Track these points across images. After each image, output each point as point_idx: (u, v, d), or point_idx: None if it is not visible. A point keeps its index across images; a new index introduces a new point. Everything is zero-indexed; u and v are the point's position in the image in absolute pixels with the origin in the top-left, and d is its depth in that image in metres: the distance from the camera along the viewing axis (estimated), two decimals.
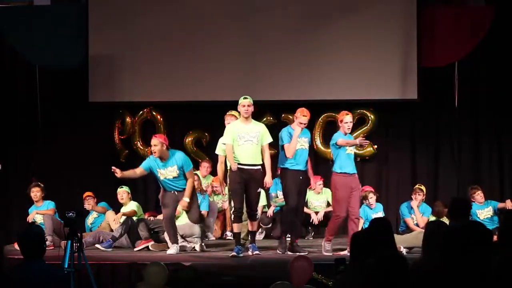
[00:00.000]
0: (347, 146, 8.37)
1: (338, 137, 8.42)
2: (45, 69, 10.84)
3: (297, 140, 8.33)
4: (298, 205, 8.54)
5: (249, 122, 8.27)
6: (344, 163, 8.36)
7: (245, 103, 8.19)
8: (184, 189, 8.49)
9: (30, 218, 9.54)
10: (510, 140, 10.73)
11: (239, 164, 8.16)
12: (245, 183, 8.20)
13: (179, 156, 8.52)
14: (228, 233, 10.24)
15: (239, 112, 8.36)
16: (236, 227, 8.30)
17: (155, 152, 8.39)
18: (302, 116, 8.35)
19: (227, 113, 8.79)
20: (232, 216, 8.32)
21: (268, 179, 8.23)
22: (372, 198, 9.59)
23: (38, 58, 10.78)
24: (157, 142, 8.40)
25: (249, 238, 8.43)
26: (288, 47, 10.54)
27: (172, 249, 8.46)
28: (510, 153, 10.76)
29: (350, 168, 8.39)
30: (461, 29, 10.33)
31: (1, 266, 4.63)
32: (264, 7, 10.62)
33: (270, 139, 8.35)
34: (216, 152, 8.75)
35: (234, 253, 8.09)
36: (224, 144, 8.28)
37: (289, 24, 10.57)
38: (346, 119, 8.44)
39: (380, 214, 9.55)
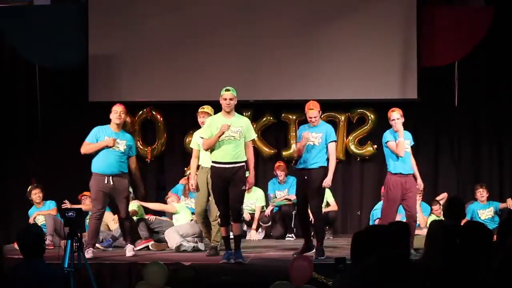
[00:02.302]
0: (397, 148, 8.09)
1: (387, 137, 8.22)
2: (45, 69, 10.85)
3: (307, 137, 8.00)
4: (314, 210, 8.11)
5: (231, 116, 7.65)
6: (398, 163, 8.12)
7: (227, 96, 7.64)
8: (123, 172, 8.15)
9: (31, 221, 9.54)
10: (510, 140, 10.73)
11: (219, 163, 7.59)
12: (227, 182, 7.59)
13: (129, 136, 8.30)
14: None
15: (220, 107, 7.81)
16: (224, 230, 7.79)
17: (120, 118, 8.15)
18: (308, 110, 8.04)
19: (199, 110, 8.55)
20: (218, 219, 7.85)
21: (250, 179, 7.66)
22: None
23: (38, 58, 10.77)
24: (123, 110, 8.20)
25: (234, 243, 7.80)
26: (288, 46, 10.54)
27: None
28: (510, 153, 10.76)
29: (405, 168, 8.13)
30: (461, 29, 10.33)
31: (1, 266, 4.63)
32: (264, 7, 10.62)
33: (254, 135, 7.88)
34: (191, 145, 8.57)
35: (224, 260, 7.64)
36: (202, 138, 7.77)
37: (289, 24, 10.57)
38: (393, 116, 8.18)
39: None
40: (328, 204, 10.41)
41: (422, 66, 10.42)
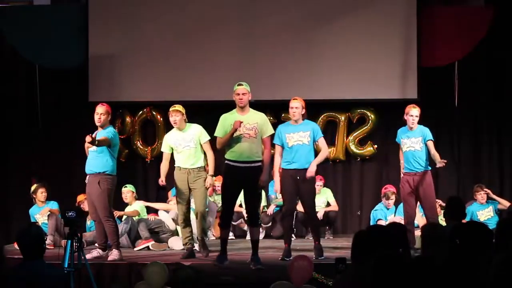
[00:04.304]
0: (403, 146, 8.30)
1: (399, 136, 8.41)
2: (45, 69, 10.84)
3: (292, 136, 7.88)
4: (309, 210, 7.97)
5: (245, 112, 7.41)
6: (406, 161, 8.30)
7: (240, 90, 7.39)
8: (95, 172, 7.84)
9: (43, 215, 9.50)
10: (510, 140, 10.73)
11: (233, 161, 7.36)
12: (241, 183, 7.36)
13: (107, 131, 7.95)
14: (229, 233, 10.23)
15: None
16: (222, 232, 7.63)
17: (100, 120, 7.95)
18: (291, 107, 7.88)
19: (170, 109, 8.28)
20: (220, 219, 7.69)
21: (262, 177, 7.36)
22: (392, 200, 9.66)
23: (38, 58, 10.77)
24: (104, 110, 7.99)
25: (252, 248, 7.55)
26: (288, 46, 10.54)
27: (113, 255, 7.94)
28: (510, 153, 10.76)
29: (411, 166, 8.23)
30: (461, 29, 10.33)
31: (1, 266, 4.63)
32: (264, 7, 10.62)
33: (271, 131, 7.55)
34: (162, 149, 8.44)
35: (216, 263, 7.43)
36: (216, 137, 7.56)
37: (289, 24, 10.57)
38: (412, 111, 8.26)
39: (392, 216, 9.60)
40: (328, 204, 10.41)
41: (422, 66, 10.42)
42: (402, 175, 8.44)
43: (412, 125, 8.31)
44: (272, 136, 7.71)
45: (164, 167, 8.29)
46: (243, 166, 7.34)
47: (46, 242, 8.56)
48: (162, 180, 8.28)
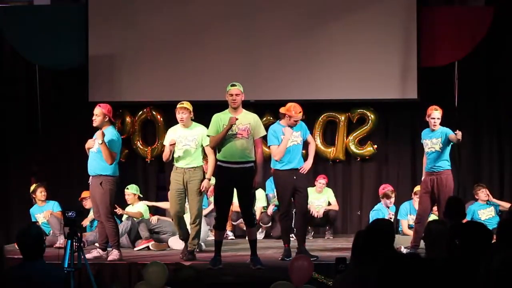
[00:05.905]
0: (425, 146, 8.29)
1: (422, 137, 8.41)
2: (45, 69, 10.84)
3: (289, 136, 7.81)
4: (302, 207, 7.89)
5: (238, 113, 7.38)
6: (427, 161, 8.31)
7: (233, 91, 7.38)
8: (97, 174, 7.85)
9: (46, 216, 9.50)
10: (510, 140, 10.73)
11: (226, 162, 7.32)
12: (234, 183, 7.35)
13: (110, 130, 7.91)
14: (229, 233, 10.24)
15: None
16: (217, 234, 7.54)
17: (94, 120, 7.90)
18: (297, 113, 7.76)
19: (178, 106, 8.11)
20: (215, 221, 7.62)
21: (257, 178, 7.36)
22: (392, 199, 9.68)
23: (38, 58, 10.77)
24: (100, 112, 7.92)
25: (250, 249, 7.50)
26: (288, 47, 10.54)
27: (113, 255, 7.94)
28: (510, 153, 10.76)
29: (431, 166, 8.25)
30: (461, 29, 10.33)
31: (1, 266, 4.63)
32: (264, 8, 10.62)
33: (263, 132, 7.54)
34: (164, 142, 8.30)
35: (210, 266, 7.35)
36: (208, 136, 7.53)
37: (289, 24, 10.57)
38: (434, 114, 8.24)
39: (392, 215, 9.61)
40: (329, 204, 10.41)
41: (422, 66, 10.42)
42: (423, 176, 8.45)
43: (434, 127, 8.30)
44: (264, 137, 7.70)
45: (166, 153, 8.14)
46: (236, 166, 7.32)
47: (59, 242, 8.66)
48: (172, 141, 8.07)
